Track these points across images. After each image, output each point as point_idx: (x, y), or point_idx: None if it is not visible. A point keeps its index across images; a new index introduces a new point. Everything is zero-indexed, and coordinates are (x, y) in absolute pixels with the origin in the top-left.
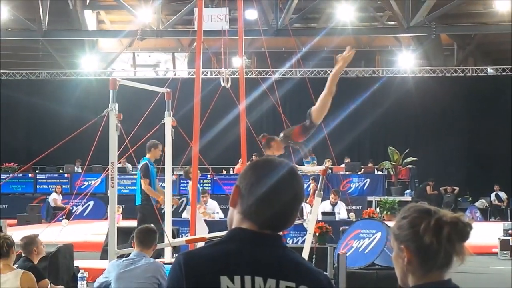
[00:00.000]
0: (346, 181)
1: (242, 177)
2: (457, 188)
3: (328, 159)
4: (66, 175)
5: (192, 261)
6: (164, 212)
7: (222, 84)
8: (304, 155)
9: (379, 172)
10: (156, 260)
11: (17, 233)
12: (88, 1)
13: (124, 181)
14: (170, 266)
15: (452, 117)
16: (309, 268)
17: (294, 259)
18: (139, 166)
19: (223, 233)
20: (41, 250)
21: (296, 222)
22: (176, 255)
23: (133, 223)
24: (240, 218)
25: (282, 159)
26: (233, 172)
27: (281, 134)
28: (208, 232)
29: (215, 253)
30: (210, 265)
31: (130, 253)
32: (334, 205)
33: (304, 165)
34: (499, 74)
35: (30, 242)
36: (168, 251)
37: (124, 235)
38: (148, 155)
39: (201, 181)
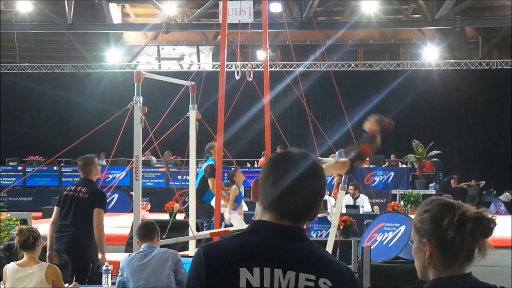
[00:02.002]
0: (370, 174)
1: (264, 170)
2: (483, 182)
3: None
4: None
5: (212, 253)
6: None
7: (237, 77)
8: (347, 148)
9: (403, 166)
10: (173, 250)
11: (42, 226)
12: None
13: (149, 174)
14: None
15: (477, 110)
16: (331, 260)
17: (316, 251)
18: (204, 167)
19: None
20: (98, 170)
21: (320, 215)
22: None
23: (158, 216)
24: (262, 210)
25: (305, 152)
26: (257, 165)
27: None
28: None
29: (235, 245)
30: (230, 256)
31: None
32: (355, 198)
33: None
34: None
35: (88, 163)
36: (192, 244)
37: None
38: (212, 157)
39: (225, 174)
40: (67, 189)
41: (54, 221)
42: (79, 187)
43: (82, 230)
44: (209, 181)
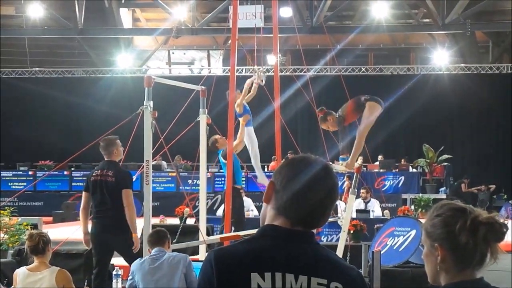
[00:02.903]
0: (380, 179)
1: (277, 173)
2: (493, 186)
3: (360, 157)
4: None
5: (223, 257)
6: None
7: (262, 83)
8: (342, 149)
9: (414, 170)
10: (183, 254)
11: (52, 231)
12: None
13: (159, 178)
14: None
15: (487, 115)
16: (342, 264)
17: (327, 256)
18: (220, 155)
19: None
20: (120, 151)
21: (331, 219)
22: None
23: (169, 220)
24: (273, 214)
25: (318, 157)
26: (268, 169)
27: (339, 112)
28: (243, 230)
29: (246, 250)
30: (241, 261)
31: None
32: (366, 202)
33: (339, 161)
34: None
35: (111, 143)
36: (202, 249)
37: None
38: (220, 148)
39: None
40: (94, 174)
41: (85, 207)
42: (105, 171)
43: (120, 213)
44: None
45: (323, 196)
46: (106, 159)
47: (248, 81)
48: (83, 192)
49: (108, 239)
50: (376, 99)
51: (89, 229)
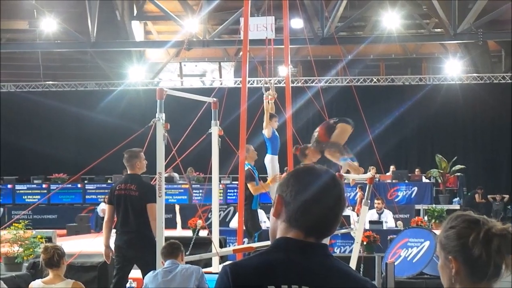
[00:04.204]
0: (393, 190)
1: (284, 186)
2: (506, 196)
3: (372, 167)
4: None
5: (239, 270)
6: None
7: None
8: (340, 152)
9: (427, 180)
10: (196, 266)
11: (66, 243)
12: (135, 12)
13: (172, 190)
14: (217, 276)
15: (500, 124)
16: (356, 276)
17: (340, 268)
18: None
19: (270, 243)
20: (143, 164)
21: (344, 231)
22: (223, 264)
23: (182, 232)
24: (285, 227)
25: (321, 166)
26: (279, 181)
27: (312, 141)
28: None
29: (262, 263)
30: (257, 274)
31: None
32: (380, 213)
33: (341, 162)
34: None
35: (134, 156)
36: (215, 261)
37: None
38: (247, 161)
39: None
40: (117, 188)
41: (109, 219)
42: (128, 185)
43: (144, 226)
44: (249, 186)
45: (333, 204)
46: (129, 171)
47: (265, 101)
48: (107, 205)
49: (130, 253)
50: (345, 120)
51: (111, 243)
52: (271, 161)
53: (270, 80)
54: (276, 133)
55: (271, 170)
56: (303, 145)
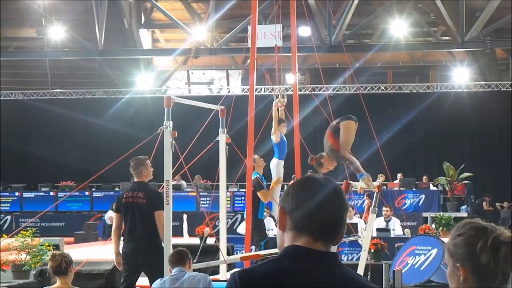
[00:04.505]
0: (400, 197)
1: (285, 197)
2: None
3: (381, 174)
4: None
5: (248, 278)
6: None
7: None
8: (355, 169)
9: (434, 188)
10: (203, 274)
11: (74, 251)
12: (143, 20)
13: (179, 198)
14: (225, 283)
15: (508, 132)
16: (366, 285)
17: (350, 276)
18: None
19: (277, 250)
20: (150, 172)
21: (351, 238)
22: (232, 272)
23: (190, 240)
24: (293, 235)
25: (325, 177)
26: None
27: (326, 150)
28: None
29: (271, 271)
30: (266, 282)
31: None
32: (388, 221)
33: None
34: None
35: (140, 164)
36: (223, 268)
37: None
38: (255, 170)
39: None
40: (124, 195)
41: (117, 227)
42: (135, 192)
43: (151, 234)
44: (259, 194)
45: (336, 205)
46: (135, 179)
47: (274, 108)
48: (115, 214)
49: (138, 261)
50: (348, 117)
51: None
52: (276, 165)
53: (280, 87)
54: (284, 138)
55: (275, 173)
56: (318, 154)
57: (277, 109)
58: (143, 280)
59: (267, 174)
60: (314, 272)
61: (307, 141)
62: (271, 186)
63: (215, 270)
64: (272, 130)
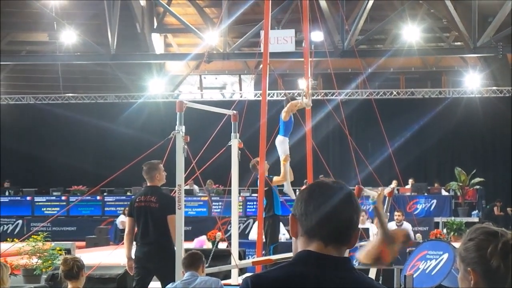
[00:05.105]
0: (412, 202)
1: (295, 204)
2: None
3: (394, 181)
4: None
5: (261, 282)
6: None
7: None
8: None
9: (446, 193)
10: (215, 278)
11: (85, 255)
12: (155, 25)
13: (191, 203)
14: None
15: None
16: None
17: (363, 280)
18: None
19: (289, 254)
20: (163, 176)
21: (363, 243)
22: (244, 276)
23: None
24: (305, 240)
25: (336, 180)
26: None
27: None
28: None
29: (283, 276)
30: (277, 287)
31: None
32: (400, 225)
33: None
34: None
35: (153, 168)
36: (234, 273)
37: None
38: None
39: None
40: (137, 200)
41: (129, 232)
42: (148, 197)
43: (164, 238)
44: (275, 179)
45: (347, 208)
46: (148, 184)
47: (297, 99)
48: (127, 218)
49: (150, 265)
50: None
51: (133, 255)
52: (282, 142)
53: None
54: (292, 118)
55: (281, 151)
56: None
57: (300, 102)
58: (155, 285)
59: (270, 171)
60: (325, 277)
61: (320, 146)
62: (282, 163)
63: (226, 275)
64: (286, 109)
